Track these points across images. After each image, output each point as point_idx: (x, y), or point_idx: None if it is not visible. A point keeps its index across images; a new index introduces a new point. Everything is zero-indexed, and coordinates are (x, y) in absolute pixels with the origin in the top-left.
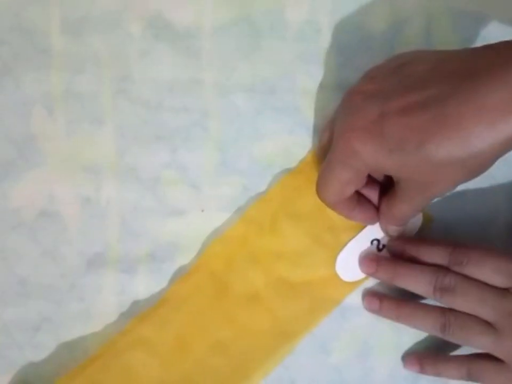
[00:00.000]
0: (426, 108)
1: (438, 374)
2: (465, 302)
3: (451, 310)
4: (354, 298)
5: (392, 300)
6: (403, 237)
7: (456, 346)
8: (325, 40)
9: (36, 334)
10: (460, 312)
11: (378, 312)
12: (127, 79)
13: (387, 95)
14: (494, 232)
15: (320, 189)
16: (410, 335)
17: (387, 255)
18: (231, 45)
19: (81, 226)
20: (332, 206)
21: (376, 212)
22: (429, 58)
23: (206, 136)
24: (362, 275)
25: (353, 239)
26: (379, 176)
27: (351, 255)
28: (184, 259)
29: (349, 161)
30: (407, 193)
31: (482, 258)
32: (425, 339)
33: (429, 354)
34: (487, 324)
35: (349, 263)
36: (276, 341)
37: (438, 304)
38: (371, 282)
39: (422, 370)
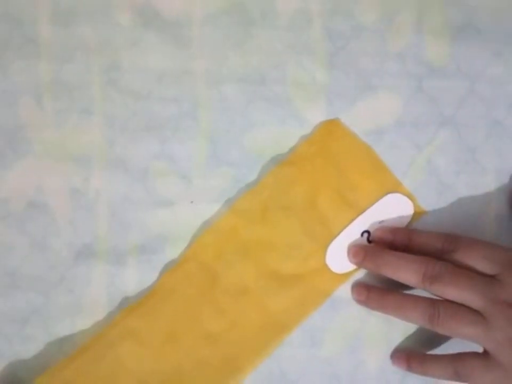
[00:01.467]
0: None
1: (424, 374)
2: (454, 290)
3: (440, 301)
4: (345, 290)
5: (379, 290)
6: (393, 227)
7: (447, 341)
8: (316, 29)
9: (25, 326)
10: (449, 302)
11: (365, 302)
12: (116, 69)
13: None
14: (485, 225)
15: None
16: (401, 327)
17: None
18: (221, 34)
19: (70, 217)
20: None
21: None
22: None
23: (196, 127)
24: (352, 266)
25: (344, 230)
26: None
27: (341, 247)
28: (174, 251)
29: None
30: None
31: (471, 245)
32: (416, 332)
33: (416, 353)
34: (477, 314)
35: (339, 255)
36: (266, 332)
37: (427, 295)
38: (362, 274)
39: (409, 369)
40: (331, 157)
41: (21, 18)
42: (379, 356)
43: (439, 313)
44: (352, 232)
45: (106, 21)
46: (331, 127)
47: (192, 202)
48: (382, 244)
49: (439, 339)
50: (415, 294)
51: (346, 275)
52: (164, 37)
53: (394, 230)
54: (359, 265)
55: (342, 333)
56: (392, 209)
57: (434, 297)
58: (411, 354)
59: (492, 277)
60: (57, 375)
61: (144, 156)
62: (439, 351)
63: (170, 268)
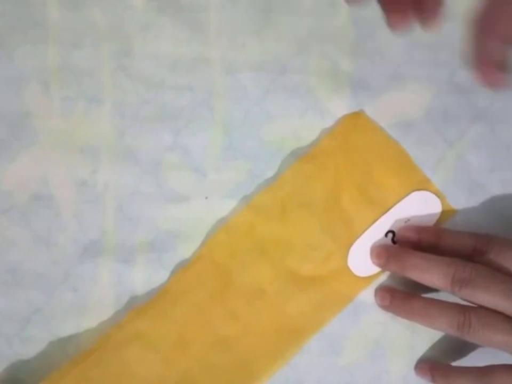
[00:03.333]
0: None
1: None
2: (486, 295)
3: (471, 307)
4: (368, 295)
5: (404, 295)
6: (419, 227)
7: (476, 350)
8: (340, 15)
9: (26, 326)
10: (480, 309)
11: (389, 308)
12: (127, 55)
13: None
14: None
15: None
16: (427, 335)
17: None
18: (239, 19)
19: (76, 211)
20: None
21: None
22: None
23: (211, 118)
24: (376, 269)
25: (367, 230)
26: None
27: (364, 248)
28: (185, 249)
29: None
30: None
31: (506, 246)
32: (442, 340)
33: (441, 364)
34: (511, 321)
35: (361, 256)
36: (282, 338)
37: (456, 301)
38: (386, 278)
39: (434, 381)
40: (354, 151)
41: (29, 1)
42: (402, 365)
43: (470, 321)
44: (376, 232)
45: (117, 3)
46: (355, 119)
47: (206, 197)
48: (408, 244)
49: (467, 348)
50: (444, 299)
51: (369, 278)
52: (179, 21)
53: (421, 230)
54: (383, 267)
55: (363, 340)
56: (419, 207)
57: (464, 302)
58: (435, 365)
59: None
60: (61, 380)
61: (156, 147)
62: (466, 361)
63: (181, 267)
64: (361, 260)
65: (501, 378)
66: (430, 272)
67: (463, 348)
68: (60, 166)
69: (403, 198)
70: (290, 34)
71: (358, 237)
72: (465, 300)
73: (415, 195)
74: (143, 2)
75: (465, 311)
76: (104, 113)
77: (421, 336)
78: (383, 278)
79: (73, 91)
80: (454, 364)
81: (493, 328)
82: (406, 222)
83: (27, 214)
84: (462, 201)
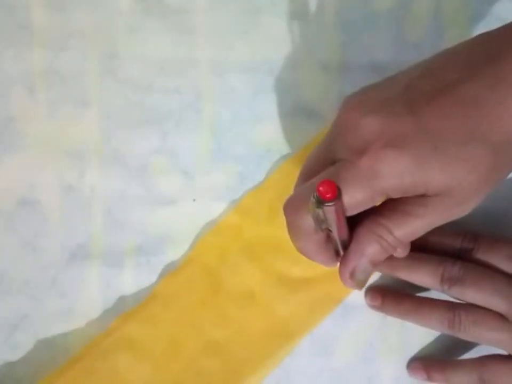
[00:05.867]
0: (454, 91)
1: (446, 382)
2: (476, 292)
3: (461, 305)
4: (358, 296)
5: (395, 295)
6: None
7: (468, 349)
8: (328, 17)
9: (14, 332)
10: (470, 306)
11: (380, 308)
12: (114, 58)
13: (397, 97)
14: (507, 226)
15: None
16: (419, 335)
17: None
18: (227, 21)
19: (63, 216)
20: (314, 250)
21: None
22: (431, 59)
23: (200, 120)
24: None
25: None
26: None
27: None
28: (174, 252)
29: (367, 184)
30: (435, 209)
31: (493, 243)
32: (435, 340)
33: (436, 360)
34: (501, 318)
35: None
36: (273, 341)
37: (448, 299)
38: (377, 279)
39: (429, 378)
40: None
41: (13, 3)
42: (395, 366)
43: (460, 318)
44: None
45: (104, 6)
46: None
47: (194, 200)
48: None
49: (459, 347)
50: (435, 298)
51: None
52: (166, 23)
53: None
54: (374, 268)
55: (355, 342)
56: None
57: (455, 300)
58: (429, 362)
59: None
60: None
61: (144, 150)
62: (459, 357)
63: (170, 270)
64: None
65: (496, 368)
66: (419, 271)
67: (455, 347)
68: (46, 170)
69: None
70: (278, 35)
71: None
72: (455, 298)
73: None
74: (129, 5)
75: (455, 309)
76: (91, 116)
77: (412, 337)
78: (373, 278)
79: (60, 94)
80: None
81: (483, 325)
82: None
83: (13, 219)
84: None
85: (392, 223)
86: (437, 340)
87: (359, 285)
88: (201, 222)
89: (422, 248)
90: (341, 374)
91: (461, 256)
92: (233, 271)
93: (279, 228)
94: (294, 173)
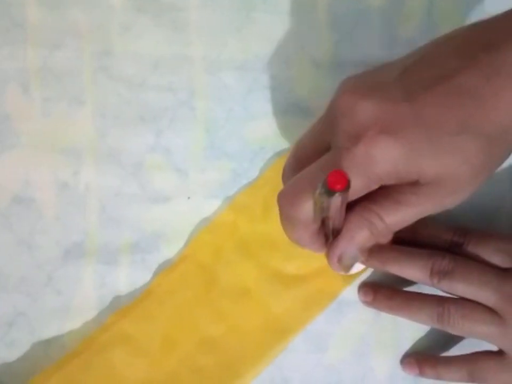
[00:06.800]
0: (450, 81)
1: (438, 377)
2: (465, 285)
3: (451, 299)
4: (352, 292)
5: (387, 291)
6: None
7: (461, 342)
8: (321, 14)
9: (10, 330)
10: (460, 300)
11: (372, 304)
12: (108, 55)
13: (394, 80)
14: (498, 223)
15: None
16: (412, 331)
17: None
18: (220, 18)
19: (58, 213)
20: (310, 239)
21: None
22: (428, 46)
23: (193, 117)
24: (359, 267)
25: None
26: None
27: None
28: (169, 250)
29: (363, 171)
30: (427, 198)
31: (483, 237)
32: (427, 335)
33: (428, 356)
34: (491, 312)
35: None
36: (268, 337)
37: (438, 293)
38: (370, 275)
39: (422, 373)
40: None
41: (8, 1)
42: (388, 361)
43: (449, 312)
44: None
45: (98, 3)
46: None
47: (189, 198)
48: None
49: (452, 342)
50: (428, 293)
51: (354, 276)
52: (159, 21)
53: None
54: (364, 263)
55: (348, 338)
56: None
57: (445, 294)
58: (422, 358)
59: (506, 271)
60: (45, 383)
61: (138, 148)
62: (451, 352)
63: (165, 268)
64: None
65: (485, 364)
66: (409, 266)
67: (448, 342)
68: (41, 168)
69: None
70: (270, 32)
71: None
72: (445, 292)
73: None
74: (123, 3)
75: (445, 302)
76: (85, 114)
77: (405, 332)
78: (367, 275)
79: (54, 92)
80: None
81: (472, 319)
82: None
83: (9, 217)
84: None
85: (384, 210)
86: (430, 335)
87: (345, 269)
88: (195, 219)
89: (413, 243)
90: (335, 370)
91: (452, 251)
92: (228, 268)
93: (274, 225)
94: None
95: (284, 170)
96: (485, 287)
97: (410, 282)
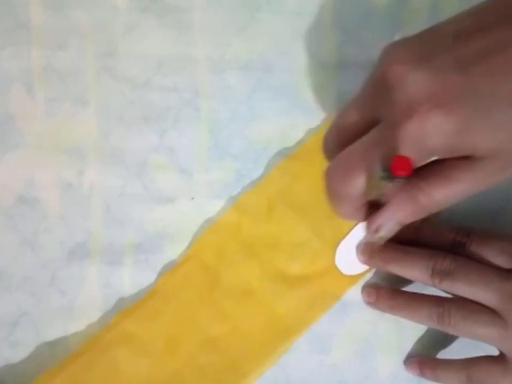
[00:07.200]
0: (507, 51)
1: (437, 380)
2: (466, 286)
3: (451, 299)
4: (356, 293)
5: (390, 291)
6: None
7: (462, 343)
8: (326, 14)
9: (14, 330)
10: (461, 300)
11: (375, 304)
12: (112, 55)
13: (446, 49)
14: (502, 223)
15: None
16: (415, 331)
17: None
18: (224, 18)
19: (63, 213)
20: (355, 212)
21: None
22: (481, 9)
23: (197, 117)
24: (363, 268)
25: (353, 229)
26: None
27: (351, 247)
28: (173, 250)
29: (416, 147)
30: (477, 174)
31: (486, 237)
32: (431, 336)
33: (429, 358)
34: (492, 313)
35: (348, 255)
36: (271, 338)
37: (440, 294)
38: (374, 275)
39: (422, 375)
40: None
41: (12, 2)
42: (391, 362)
43: (450, 313)
44: (362, 231)
45: (102, 4)
46: None
47: (192, 198)
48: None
49: (454, 343)
50: (431, 294)
51: (357, 276)
52: (164, 21)
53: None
54: (367, 263)
55: (352, 338)
56: None
57: (446, 295)
58: (423, 359)
59: (508, 272)
60: (49, 383)
61: (142, 148)
62: (453, 355)
63: (169, 268)
64: (348, 258)
65: (484, 368)
66: (411, 266)
67: (450, 343)
68: (45, 168)
69: None
70: (275, 32)
71: (344, 235)
72: (446, 292)
73: None
74: (127, 3)
75: (445, 303)
76: (89, 114)
77: (409, 333)
78: (370, 275)
79: (58, 92)
80: (440, 358)
81: (473, 320)
82: None
83: (13, 217)
84: None
85: (431, 187)
86: (434, 336)
87: (380, 240)
88: (199, 219)
89: (415, 243)
90: (338, 370)
91: (454, 251)
92: (231, 268)
93: (278, 225)
94: (292, 171)
95: (326, 142)
96: (487, 288)
97: (414, 283)
